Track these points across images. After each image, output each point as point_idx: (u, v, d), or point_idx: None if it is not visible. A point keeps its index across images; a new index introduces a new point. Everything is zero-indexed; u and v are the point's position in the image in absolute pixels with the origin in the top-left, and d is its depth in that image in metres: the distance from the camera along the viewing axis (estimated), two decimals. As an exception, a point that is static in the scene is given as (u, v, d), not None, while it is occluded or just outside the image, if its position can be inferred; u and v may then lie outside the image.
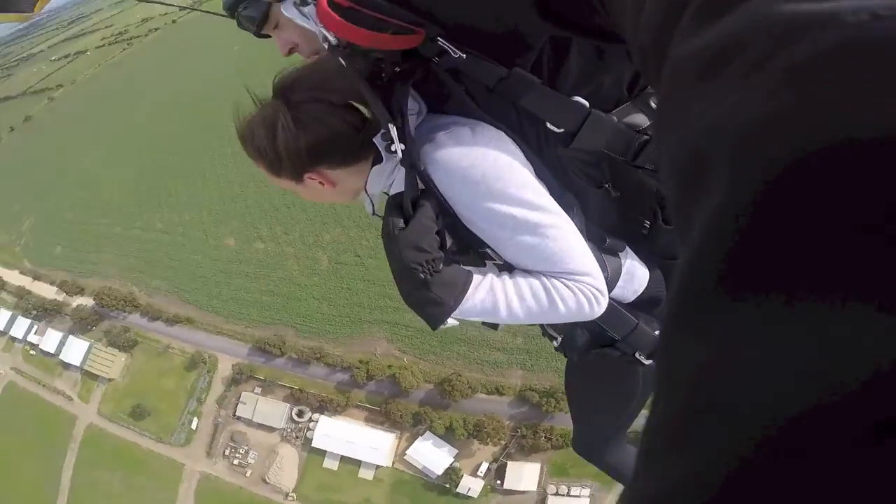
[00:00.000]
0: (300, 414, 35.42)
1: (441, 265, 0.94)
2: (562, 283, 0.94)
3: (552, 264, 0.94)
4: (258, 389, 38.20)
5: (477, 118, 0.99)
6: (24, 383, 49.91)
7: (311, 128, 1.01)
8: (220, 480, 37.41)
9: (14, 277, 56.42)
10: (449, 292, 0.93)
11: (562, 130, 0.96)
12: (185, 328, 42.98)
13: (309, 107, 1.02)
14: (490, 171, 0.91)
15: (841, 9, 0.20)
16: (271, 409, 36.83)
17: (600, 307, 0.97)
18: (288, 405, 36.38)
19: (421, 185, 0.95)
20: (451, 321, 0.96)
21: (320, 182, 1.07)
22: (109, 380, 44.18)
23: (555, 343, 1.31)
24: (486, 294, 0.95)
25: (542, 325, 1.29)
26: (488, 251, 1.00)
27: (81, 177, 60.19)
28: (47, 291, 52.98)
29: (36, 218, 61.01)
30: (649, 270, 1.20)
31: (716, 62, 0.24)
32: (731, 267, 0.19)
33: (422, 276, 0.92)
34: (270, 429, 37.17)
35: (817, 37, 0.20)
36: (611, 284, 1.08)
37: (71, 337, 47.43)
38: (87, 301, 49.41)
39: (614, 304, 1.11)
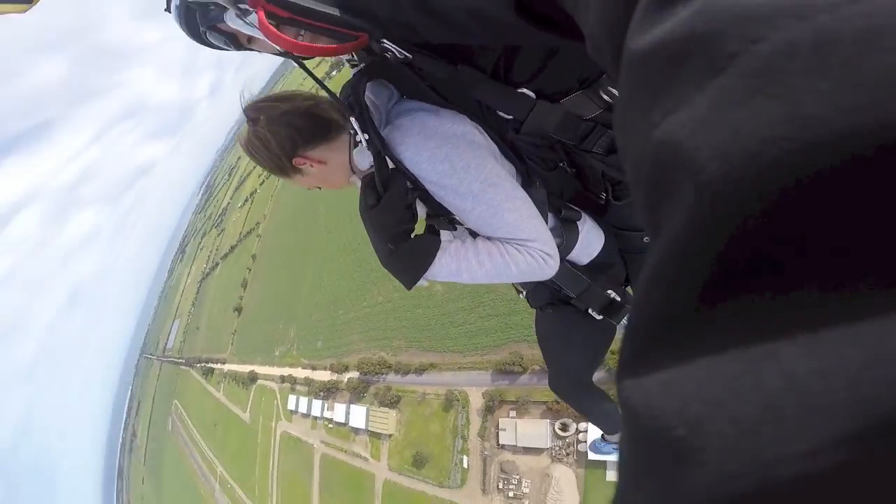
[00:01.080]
0: (564, 427, 32.21)
1: (411, 235, 1.08)
2: (514, 247, 1.07)
3: (507, 232, 1.06)
4: (513, 413, 36.71)
5: (439, 104, 1.09)
6: (332, 452, 59.02)
7: (272, 130, 1.14)
8: (501, 518, 36.17)
9: (298, 373, 70.18)
10: (418, 261, 1.07)
11: (511, 118, 1.05)
12: (432, 373, 45.49)
13: (267, 117, 1.16)
14: (452, 152, 1.01)
15: None
16: (533, 430, 34.65)
17: (550, 269, 1.10)
18: (548, 421, 33.65)
19: (391, 164, 1.05)
20: (422, 282, 1.10)
21: (311, 164, 1.18)
22: (390, 435, 48.74)
23: (521, 295, 1.56)
24: (450, 260, 1.08)
25: (516, 289, 1.59)
26: (455, 218, 1.12)
27: (311, 285, 72.01)
28: (323, 376, 63.71)
29: (296, 327, 75.17)
30: (604, 236, 1.36)
31: (674, 60, 0.22)
32: (682, 309, 0.18)
33: (391, 246, 1.06)
34: (538, 451, 34.81)
35: (785, 32, 0.18)
36: (566, 250, 1.28)
37: (352, 406, 54.75)
38: (353, 374, 57.10)
39: (569, 267, 1.33)
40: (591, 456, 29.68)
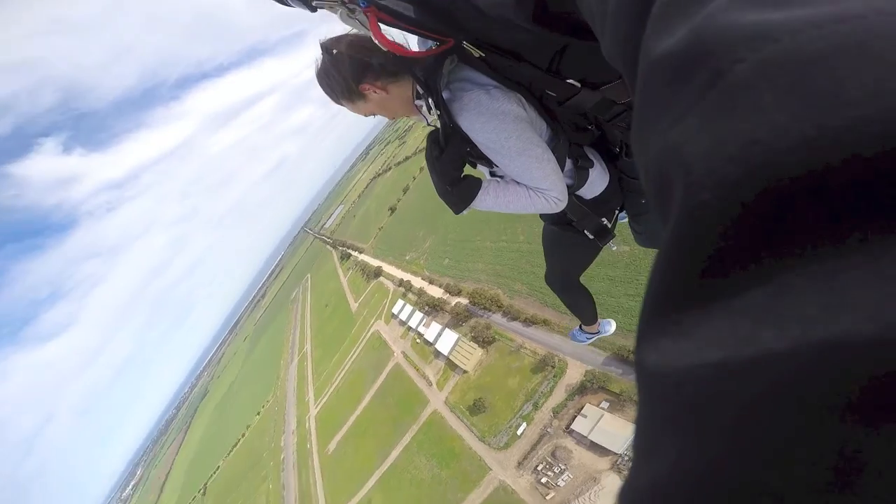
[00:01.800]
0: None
1: (462, 177, 1.43)
2: (536, 193, 1.43)
3: (533, 181, 1.41)
4: (605, 404, 30.34)
5: (495, 80, 1.33)
6: (405, 366, 59.02)
7: (349, 54, 1.38)
8: (514, 497, 31.21)
9: (417, 282, 72.44)
10: (466, 195, 1.44)
11: (556, 95, 1.31)
12: (540, 329, 41.10)
13: (347, 44, 1.39)
14: (499, 125, 1.29)
15: (787, 20, 0.21)
16: (614, 430, 28.18)
17: (559, 208, 1.47)
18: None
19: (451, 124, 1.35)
20: (466, 210, 1.49)
21: (375, 91, 1.40)
22: (464, 372, 45.92)
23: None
24: (488, 196, 1.45)
25: None
26: (496, 168, 1.48)
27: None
28: (436, 292, 64.29)
29: (432, 239, 78.08)
30: (608, 179, 1.72)
31: (680, 73, 0.25)
32: (676, 300, 0.21)
33: (448, 187, 1.41)
34: (604, 452, 28.34)
35: (761, 53, 0.21)
36: (575, 188, 1.64)
37: (446, 330, 53.51)
38: (462, 300, 55.41)
39: (575, 200, 1.70)
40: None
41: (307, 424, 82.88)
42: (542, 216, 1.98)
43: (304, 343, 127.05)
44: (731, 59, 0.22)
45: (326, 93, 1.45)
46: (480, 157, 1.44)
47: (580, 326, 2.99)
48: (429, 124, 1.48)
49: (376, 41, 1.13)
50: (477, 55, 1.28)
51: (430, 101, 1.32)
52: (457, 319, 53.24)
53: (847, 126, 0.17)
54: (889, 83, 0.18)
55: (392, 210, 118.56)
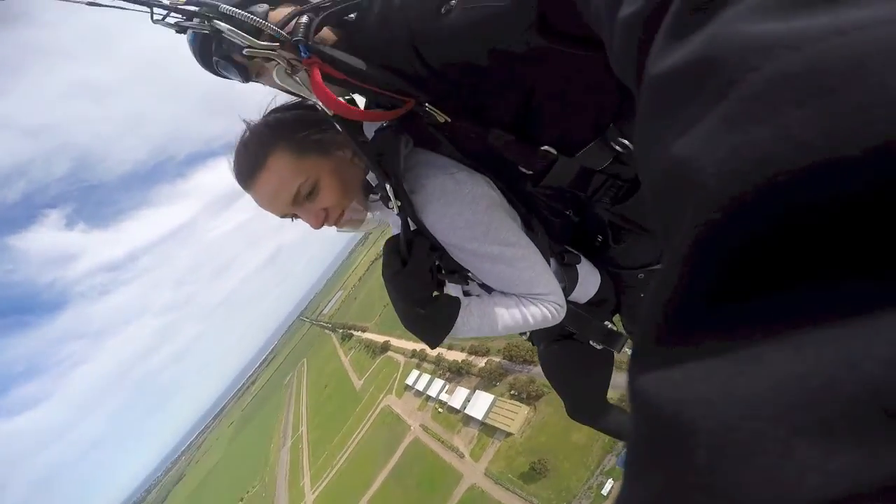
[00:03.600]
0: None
1: (433, 296, 1.09)
2: (531, 302, 1.13)
3: (523, 288, 1.12)
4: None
5: (458, 160, 1.11)
6: (426, 439, 52.61)
7: (289, 123, 1.12)
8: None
9: (431, 350, 67.35)
10: (442, 322, 1.08)
11: (531, 172, 1.08)
12: (603, 375, 36.59)
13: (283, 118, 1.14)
14: (472, 217, 1.04)
15: (807, 27, 0.19)
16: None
17: (561, 316, 1.17)
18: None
19: (413, 226, 1.07)
20: (445, 340, 1.13)
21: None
22: (507, 435, 40.59)
23: (524, 336, 1.55)
24: (471, 318, 1.10)
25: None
26: (470, 275, 1.16)
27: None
28: (457, 356, 59.11)
29: None
30: (600, 275, 1.46)
31: (686, 85, 0.23)
32: (676, 316, 0.20)
33: (418, 310, 1.06)
34: None
35: (777, 62, 0.19)
36: (568, 291, 1.32)
37: (478, 392, 48.45)
38: (494, 358, 51.13)
39: (571, 307, 1.36)
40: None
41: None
42: (535, 337, 1.62)
43: (299, 425, 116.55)
44: (745, 68, 0.20)
45: (242, 172, 1.07)
46: (452, 271, 1.13)
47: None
48: (378, 225, 1.24)
49: (319, 102, 0.92)
50: (442, 120, 1.01)
51: (388, 189, 1.02)
52: (489, 380, 48.30)
53: (879, 146, 0.15)
54: None
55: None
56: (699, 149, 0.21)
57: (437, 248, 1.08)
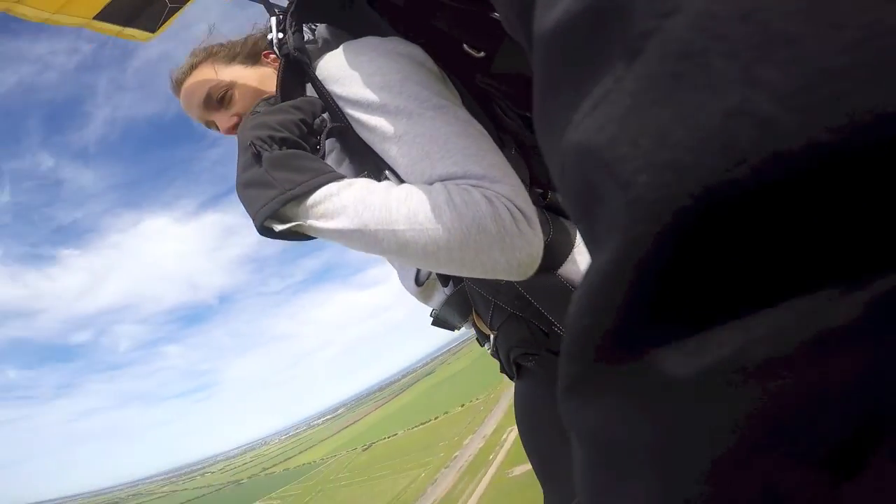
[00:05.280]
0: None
1: (292, 148, 0.73)
2: (463, 188, 0.65)
3: (454, 163, 0.67)
4: None
5: (381, 35, 0.81)
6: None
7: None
8: None
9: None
10: (293, 175, 0.67)
11: (482, 55, 0.80)
12: None
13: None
14: (387, 64, 0.75)
15: None
16: None
17: (525, 237, 0.65)
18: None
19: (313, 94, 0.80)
20: (280, 226, 0.69)
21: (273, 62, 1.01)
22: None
23: (486, 345, 0.97)
24: (356, 192, 0.67)
25: (476, 328, 0.97)
26: (387, 173, 0.76)
27: None
28: None
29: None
30: None
31: (582, 43, 0.17)
32: (622, 329, 0.15)
33: (258, 150, 0.69)
34: None
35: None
36: (556, 255, 0.82)
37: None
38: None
39: (561, 282, 0.83)
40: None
41: (504, 436, 70.29)
42: (500, 340, 0.92)
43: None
44: (659, 10, 0.14)
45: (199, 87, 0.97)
46: (356, 152, 0.79)
47: None
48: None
49: None
50: None
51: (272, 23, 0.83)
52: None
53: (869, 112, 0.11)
54: None
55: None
56: (615, 132, 0.15)
57: (335, 115, 0.77)
